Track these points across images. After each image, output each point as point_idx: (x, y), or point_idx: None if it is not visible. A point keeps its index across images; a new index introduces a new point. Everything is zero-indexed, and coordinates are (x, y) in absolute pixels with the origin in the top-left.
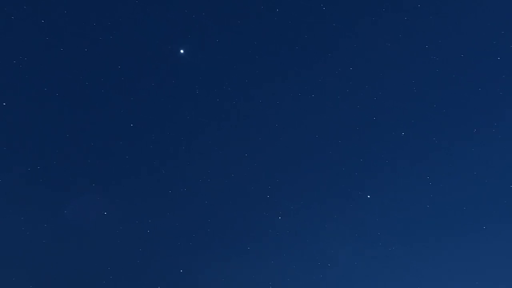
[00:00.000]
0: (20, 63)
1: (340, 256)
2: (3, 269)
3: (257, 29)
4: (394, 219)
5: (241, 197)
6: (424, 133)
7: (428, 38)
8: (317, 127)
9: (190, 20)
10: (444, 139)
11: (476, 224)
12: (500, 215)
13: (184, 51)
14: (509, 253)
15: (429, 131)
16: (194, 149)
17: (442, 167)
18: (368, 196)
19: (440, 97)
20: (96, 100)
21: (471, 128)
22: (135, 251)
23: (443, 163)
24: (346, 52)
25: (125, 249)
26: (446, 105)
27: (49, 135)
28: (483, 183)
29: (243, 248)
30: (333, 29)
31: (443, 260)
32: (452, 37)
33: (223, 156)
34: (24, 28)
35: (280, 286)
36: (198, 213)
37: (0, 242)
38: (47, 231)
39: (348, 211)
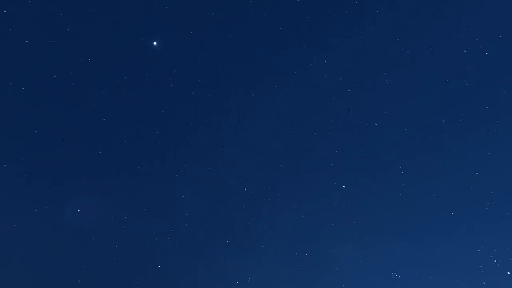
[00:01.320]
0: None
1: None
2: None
3: (234, 20)
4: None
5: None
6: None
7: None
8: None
9: (162, 10)
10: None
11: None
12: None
13: (157, 43)
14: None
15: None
16: (180, 146)
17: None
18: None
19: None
20: (68, 96)
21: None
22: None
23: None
24: (334, 49)
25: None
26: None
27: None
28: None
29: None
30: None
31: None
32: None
33: (211, 153)
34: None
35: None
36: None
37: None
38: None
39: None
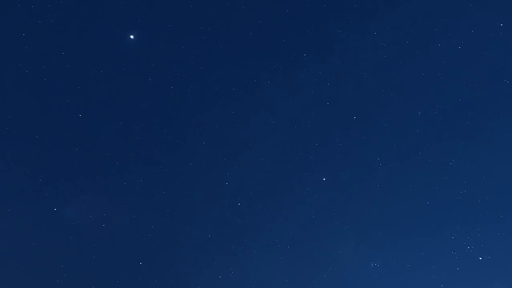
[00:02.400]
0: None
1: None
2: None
3: (216, 11)
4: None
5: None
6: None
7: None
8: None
9: (139, 1)
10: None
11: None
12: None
13: (134, 36)
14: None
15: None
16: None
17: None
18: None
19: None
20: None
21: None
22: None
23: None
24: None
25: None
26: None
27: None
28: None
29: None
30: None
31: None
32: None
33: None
34: None
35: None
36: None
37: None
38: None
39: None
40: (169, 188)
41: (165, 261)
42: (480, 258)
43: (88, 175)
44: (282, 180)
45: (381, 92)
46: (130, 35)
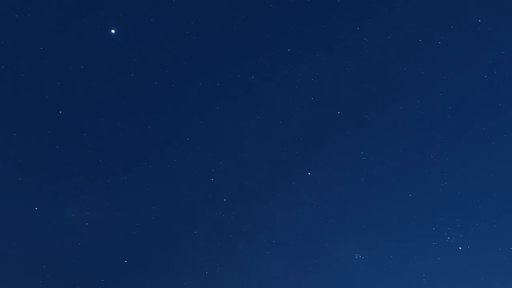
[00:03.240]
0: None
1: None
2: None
3: (199, 4)
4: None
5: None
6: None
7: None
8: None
9: None
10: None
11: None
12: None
13: (115, 31)
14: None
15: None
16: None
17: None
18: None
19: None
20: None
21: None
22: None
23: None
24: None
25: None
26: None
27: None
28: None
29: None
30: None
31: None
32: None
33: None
34: None
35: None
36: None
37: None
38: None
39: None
40: (153, 185)
41: (151, 258)
42: (460, 248)
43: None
44: (267, 175)
45: (366, 88)
46: (111, 29)
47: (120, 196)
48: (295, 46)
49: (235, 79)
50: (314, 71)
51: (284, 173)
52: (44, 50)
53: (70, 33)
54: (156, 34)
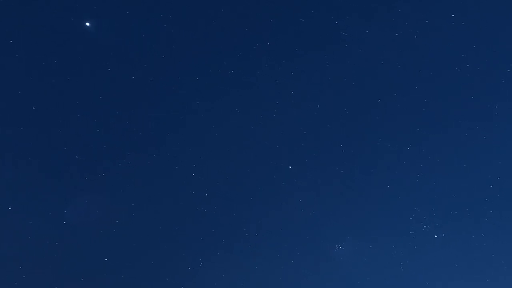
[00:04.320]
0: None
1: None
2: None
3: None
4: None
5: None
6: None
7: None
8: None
9: None
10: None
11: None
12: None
13: (90, 24)
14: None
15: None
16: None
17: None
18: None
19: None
20: None
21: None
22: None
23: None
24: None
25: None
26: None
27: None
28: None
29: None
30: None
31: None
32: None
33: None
34: None
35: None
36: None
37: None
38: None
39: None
40: (135, 180)
41: (135, 253)
42: (435, 236)
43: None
44: (248, 169)
45: (344, 82)
46: (86, 22)
47: (115, 196)
48: (275, 41)
49: (215, 74)
50: (296, 66)
51: (264, 166)
52: (14, 44)
53: (42, 27)
54: (133, 26)
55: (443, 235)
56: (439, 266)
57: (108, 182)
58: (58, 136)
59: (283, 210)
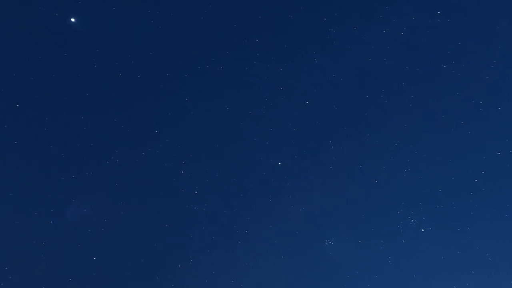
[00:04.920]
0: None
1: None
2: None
3: None
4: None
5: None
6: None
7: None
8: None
9: None
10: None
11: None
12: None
13: (75, 20)
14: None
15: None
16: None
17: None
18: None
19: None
20: None
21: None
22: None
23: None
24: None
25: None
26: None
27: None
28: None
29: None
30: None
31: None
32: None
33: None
34: None
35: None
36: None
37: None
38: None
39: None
40: (123, 178)
41: (124, 252)
42: (422, 230)
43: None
44: (238, 166)
45: (333, 77)
46: (71, 18)
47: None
48: (264, 38)
49: (204, 71)
50: (284, 63)
51: (255, 164)
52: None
53: (25, 23)
54: (120, 22)
55: (430, 229)
56: (426, 259)
57: (96, 180)
58: (43, 134)
59: (273, 206)
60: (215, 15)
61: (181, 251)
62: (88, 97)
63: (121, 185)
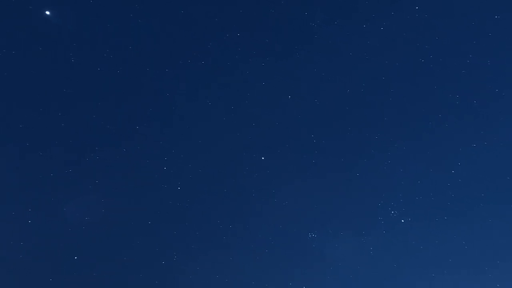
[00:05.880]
0: None
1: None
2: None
3: None
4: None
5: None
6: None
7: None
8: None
9: None
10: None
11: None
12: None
13: (50, 12)
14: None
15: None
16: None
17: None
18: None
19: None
20: None
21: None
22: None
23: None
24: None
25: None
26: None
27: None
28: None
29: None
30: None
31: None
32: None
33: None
34: None
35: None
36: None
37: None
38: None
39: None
40: (104, 175)
41: (107, 249)
42: (402, 221)
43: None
44: (220, 161)
45: (315, 72)
46: (46, 11)
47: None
48: (244, 32)
49: (183, 65)
50: (266, 57)
51: (238, 159)
52: None
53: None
54: (96, 15)
55: (410, 219)
56: (406, 249)
57: (75, 178)
58: (17, 131)
59: (256, 200)
60: (194, 8)
61: (165, 248)
62: (64, 93)
63: (101, 182)
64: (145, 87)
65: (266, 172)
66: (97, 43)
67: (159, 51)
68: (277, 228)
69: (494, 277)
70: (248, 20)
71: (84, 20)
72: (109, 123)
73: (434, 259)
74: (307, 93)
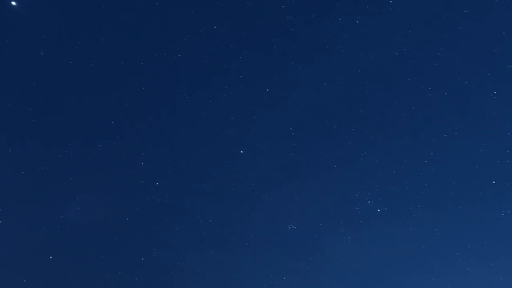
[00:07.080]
0: None
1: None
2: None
3: None
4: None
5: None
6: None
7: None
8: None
9: None
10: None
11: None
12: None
13: (16, 2)
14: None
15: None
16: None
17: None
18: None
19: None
20: None
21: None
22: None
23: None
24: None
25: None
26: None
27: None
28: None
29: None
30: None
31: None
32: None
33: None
34: None
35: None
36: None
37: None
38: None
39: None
40: (81, 171)
41: (85, 247)
42: (378, 210)
43: None
44: (199, 155)
45: (292, 65)
46: (11, 1)
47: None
48: (222, 24)
49: (161, 59)
50: (243, 50)
51: (217, 152)
52: None
53: None
54: (67, 4)
55: (385, 209)
56: (381, 237)
57: (50, 174)
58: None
59: (236, 194)
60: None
61: (144, 244)
62: (35, 87)
63: (77, 179)
64: (121, 81)
65: (245, 165)
66: (68, 35)
67: (135, 45)
68: (256, 220)
69: (465, 262)
70: (226, 13)
71: (52, 10)
72: (85, 119)
73: (408, 246)
74: (285, 85)
